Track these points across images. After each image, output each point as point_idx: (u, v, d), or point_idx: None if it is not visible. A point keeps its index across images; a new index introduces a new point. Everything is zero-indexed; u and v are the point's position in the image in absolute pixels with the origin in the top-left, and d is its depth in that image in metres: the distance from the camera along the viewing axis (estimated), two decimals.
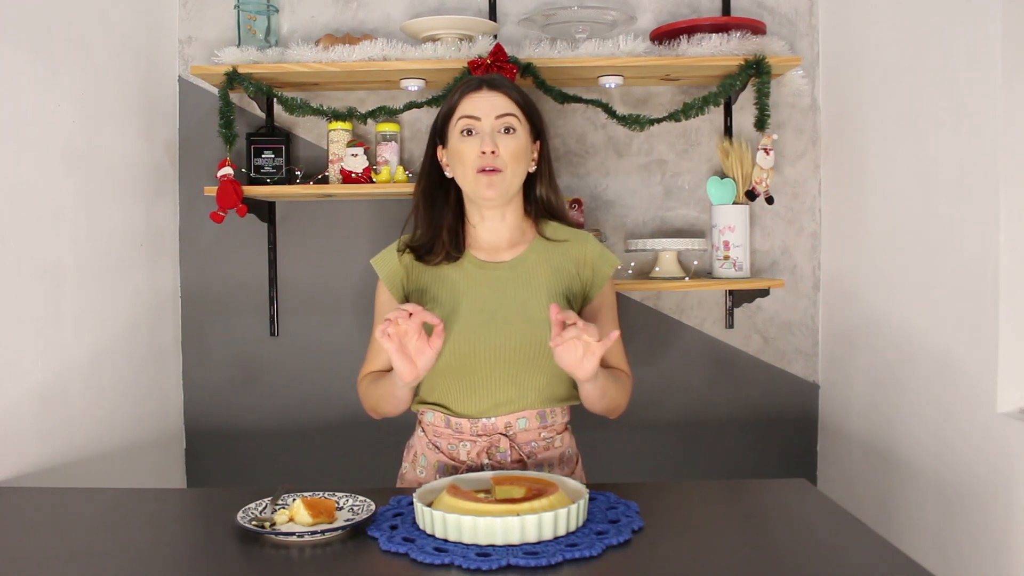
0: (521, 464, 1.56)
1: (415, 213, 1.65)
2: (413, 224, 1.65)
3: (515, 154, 1.54)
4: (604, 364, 1.56)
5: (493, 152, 1.52)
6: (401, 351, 1.43)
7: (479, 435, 1.57)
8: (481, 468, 1.56)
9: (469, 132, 1.54)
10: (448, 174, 1.61)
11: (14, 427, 1.69)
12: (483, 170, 1.52)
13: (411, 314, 1.41)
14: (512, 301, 1.57)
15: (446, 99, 1.62)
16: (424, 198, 1.63)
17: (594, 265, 1.61)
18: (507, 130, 1.54)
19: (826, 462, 2.45)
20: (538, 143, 1.62)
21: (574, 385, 1.63)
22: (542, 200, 1.64)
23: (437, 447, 1.60)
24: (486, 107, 1.54)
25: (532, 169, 1.61)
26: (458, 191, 1.62)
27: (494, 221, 1.61)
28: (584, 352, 1.40)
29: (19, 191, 1.72)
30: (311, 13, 2.42)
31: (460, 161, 1.55)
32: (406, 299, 1.62)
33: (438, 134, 1.62)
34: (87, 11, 1.97)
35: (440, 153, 1.62)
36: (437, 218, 1.62)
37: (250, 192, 2.23)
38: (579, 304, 1.61)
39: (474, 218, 1.62)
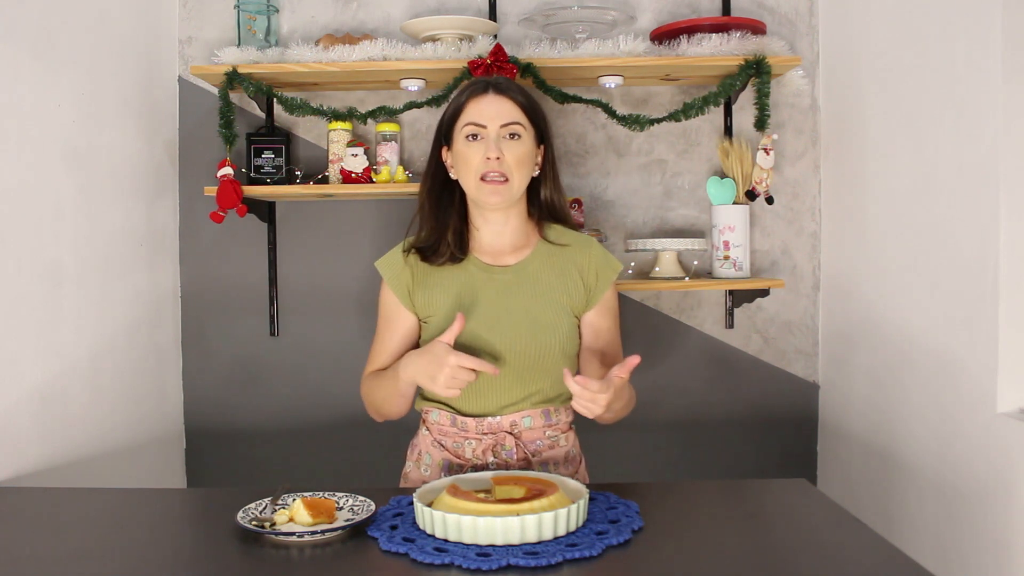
0: (526, 463, 1.56)
1: (420, 213, 1.65)
2: (419, 225, 1.66)
3: (520, 160, 1.54)
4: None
5: (498, 158, 1.52)
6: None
7: (484, 433, 1.57)
8: (486, 466, 1.56)
9: (474, 137, 1.55)
10: (453, 175, 1.61)
11: (14, 427, 1.68)
12: (487, 177, 1.53)
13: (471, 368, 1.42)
14: (516, 306, 1.57)
15: (452, 100, 1.62)
16: (429, 199, 1.64)
17: (597, 270, 1.61)
18: (512, 136, 1.55)
19: (826, 462, 2.45)
20: (542, 147, 1.62)
21: None
22: (546, 204, 1.64)
23: (442, 445, 1.61)
24: (492, 113, 1.54)
25: (536, 173, 1.61)
26: (463, 192, 1.62)
27: (497, 225, 1.61)
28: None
29: (19, 191, 1.72)
30: (311, 13, 2.42)
31: (465, 165, 1.55)
32: (411, 301, 1.62)
33: (443, 135, 1.62)
34: (87, 11, 1.97)
35: (445, 154, 1.62)
36: (442, 219, 1.62)
37: (250, 192, 2.23)
38: (581, 309, 1.61)
39: (477, 221, 1.62)
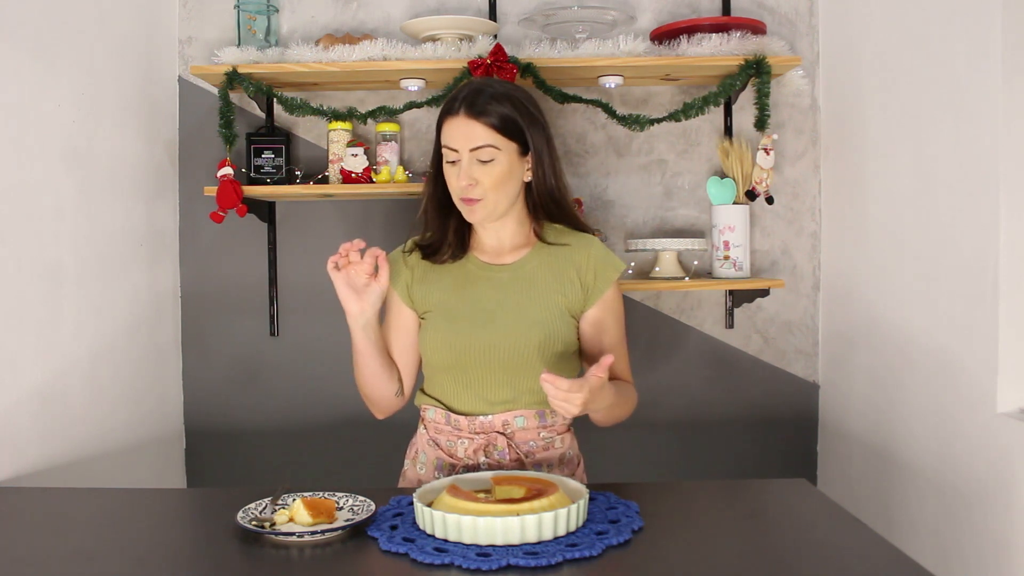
0: (519, 464, 1.56)
1: (424, 216, 1.65)
2: (421, 226, 1.66)
3: (496, 182, 1.52)
4: (611, 376, 1.55)
5: (471, 184, 1.52)
6: (348, 285, 1.53)
7: (477, 432, 1.57)
8: (478, 466, 1.56)
9: (452, 161, 1.55)
10: None
11: (14, 427, 1.68)
12: (465, 199, 1.54)
13: (361, 253, 1.50)
14: (511, 303, 1.57)
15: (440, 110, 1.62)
16: (431, 202, 1.64)
17: (596, 270, 1.60)
18: (485, 159, 1.52)
19: (826, 462, 2.45)
20: (530, 154, 1.57)
21: None
22: (544, 204, 1.63)
23: (437, 443, 1.61)
24: (462, 138, 1.52)
25: (528, 179, 1.60)
26: None
27: (493, 229, 1.62)
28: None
29: (19, 191, 1.72)
30: (311, 13, 2.42)
31: (448, 184, 1.56)
32: (410, 298, 1.63)
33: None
34: (87, 11, 1.97)
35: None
36: (444, 222, 1.63)
37: (250, 192, 2.23)
38: (579, 308, 1.61)
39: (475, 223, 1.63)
